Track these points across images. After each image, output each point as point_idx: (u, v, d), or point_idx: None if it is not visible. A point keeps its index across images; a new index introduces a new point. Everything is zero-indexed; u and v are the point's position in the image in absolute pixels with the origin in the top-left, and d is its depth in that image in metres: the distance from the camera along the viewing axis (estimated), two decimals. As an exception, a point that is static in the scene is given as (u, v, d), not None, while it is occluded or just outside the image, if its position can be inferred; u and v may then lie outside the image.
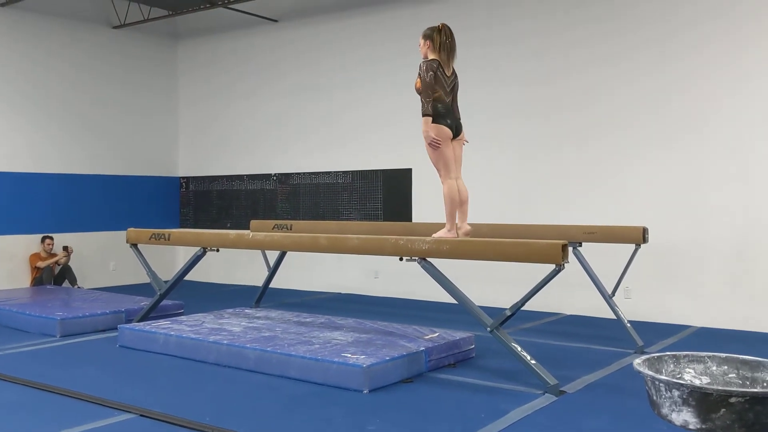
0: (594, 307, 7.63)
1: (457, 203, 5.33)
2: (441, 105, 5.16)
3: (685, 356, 2.74)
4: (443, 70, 5.15)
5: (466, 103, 9.00)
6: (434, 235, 5.39)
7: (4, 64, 9.88)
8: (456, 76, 5.32)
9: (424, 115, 5.13)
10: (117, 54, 11.21)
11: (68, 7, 10.56)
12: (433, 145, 5.16)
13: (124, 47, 11.30)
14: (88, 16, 10.83)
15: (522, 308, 4.91)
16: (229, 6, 10.30)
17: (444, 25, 5.23)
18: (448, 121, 5.20)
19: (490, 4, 8.82)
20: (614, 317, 6.39)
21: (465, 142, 5.53)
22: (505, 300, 6.95)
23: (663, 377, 2.42)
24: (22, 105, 10.08)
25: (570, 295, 8.01)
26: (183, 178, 12.13)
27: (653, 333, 6.86)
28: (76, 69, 10.71)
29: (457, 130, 5.28)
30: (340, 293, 10.08)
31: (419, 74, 5.18)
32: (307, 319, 6.73)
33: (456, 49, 5.24)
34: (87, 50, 10.83)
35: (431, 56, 5.19)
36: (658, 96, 7.68)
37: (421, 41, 5.26)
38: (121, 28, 11.09)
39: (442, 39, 5.15)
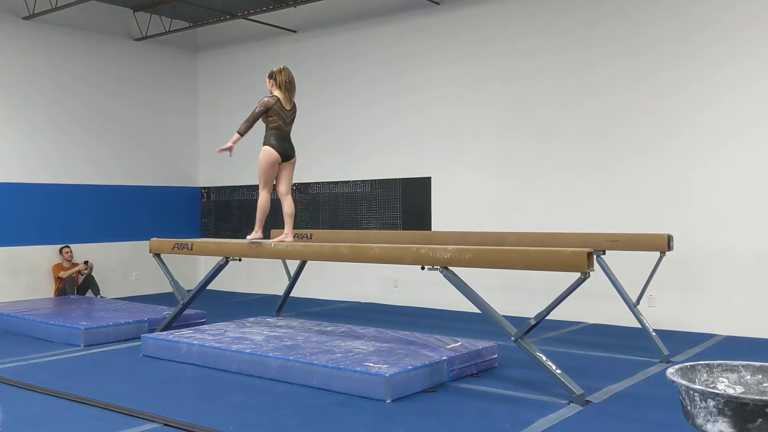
0: (617, 315, 7.55)
1: (266, 212, 6.31)
2: (278, 133, 6.09)
3: (718, 365, 2.69)
4: (282, 105, 6.06)
5: (486, 125, 9.06)
6: (248, 237, 6.34)
7: (26, 76, 10.02)
8: (295, 109, 6.23)
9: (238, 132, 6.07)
10: (138, 66, 11.33)
11: (90, 20, 10.69)
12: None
13: (146, 59, 11.43)
14: (110, 29, 10.97)
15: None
16: (249, 17, 10.39)
17: (284, 67, 6.16)
18: (280, 149, 6.10)
19: (504, 8, 8.81)
20: (638, 326, 6.32)
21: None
22: (524, 309, 6.91)
23: (698, 387, 2.37)
24: (43, 116, 10.21)
25: (592, 304, 7.93)
26: (204, 188, 12.21)
27: (678, 342, 6.77)
28: (97, 81, 10.83)
29: (288, 155, 6.20)
30: (359, 302, 10.07)
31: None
32: (328, 328, 6.72)
33: (295, 86, 6.19)
34: (109, 62, 10.96)
35: (274, 92, 6.10)
36: (684, 104, 7.60)
37: (267, 80, 6.19)
38: (142, 41, 11.22)
39: (282, 78, 6.09)
